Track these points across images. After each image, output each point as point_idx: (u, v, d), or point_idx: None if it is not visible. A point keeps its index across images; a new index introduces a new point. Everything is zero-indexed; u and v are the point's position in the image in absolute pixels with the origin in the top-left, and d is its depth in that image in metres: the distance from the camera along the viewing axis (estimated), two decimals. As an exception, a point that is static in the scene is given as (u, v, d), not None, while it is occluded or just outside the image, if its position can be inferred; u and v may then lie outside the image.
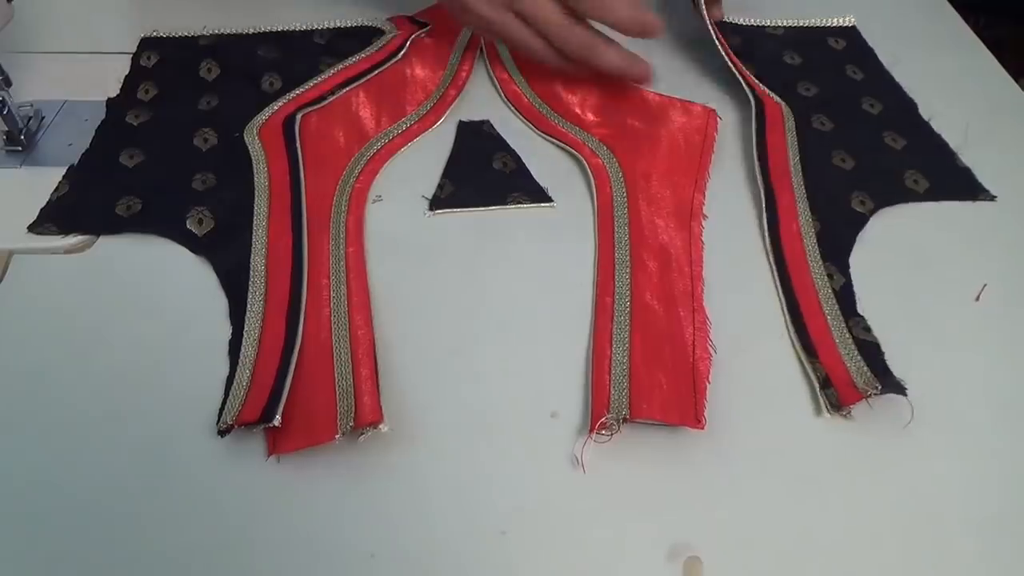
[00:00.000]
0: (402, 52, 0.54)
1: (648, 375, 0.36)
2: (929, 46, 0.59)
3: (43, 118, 0.50)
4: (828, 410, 0.36)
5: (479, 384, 0.37)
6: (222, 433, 0.34)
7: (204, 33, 0.56)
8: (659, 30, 0.47)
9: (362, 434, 0.34)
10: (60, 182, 0.45)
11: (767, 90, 0.51)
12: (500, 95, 0.53)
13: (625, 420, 0.34)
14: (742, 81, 0.51)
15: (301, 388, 0.35)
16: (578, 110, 0.51)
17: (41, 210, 0.43)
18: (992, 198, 0.46)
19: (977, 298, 0.41)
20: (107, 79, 0.52)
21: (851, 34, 0.59)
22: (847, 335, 0.38)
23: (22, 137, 0.47)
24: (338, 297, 0.40)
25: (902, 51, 0.57)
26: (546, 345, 0.39)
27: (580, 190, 0.47)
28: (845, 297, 0.40)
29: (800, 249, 0.42)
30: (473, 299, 0.41)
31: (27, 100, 0.50)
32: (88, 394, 0.36)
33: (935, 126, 0.51)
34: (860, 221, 0.45)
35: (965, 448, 0.35)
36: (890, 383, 0.36)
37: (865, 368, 0.37)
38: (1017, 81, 0.55)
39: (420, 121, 0.50)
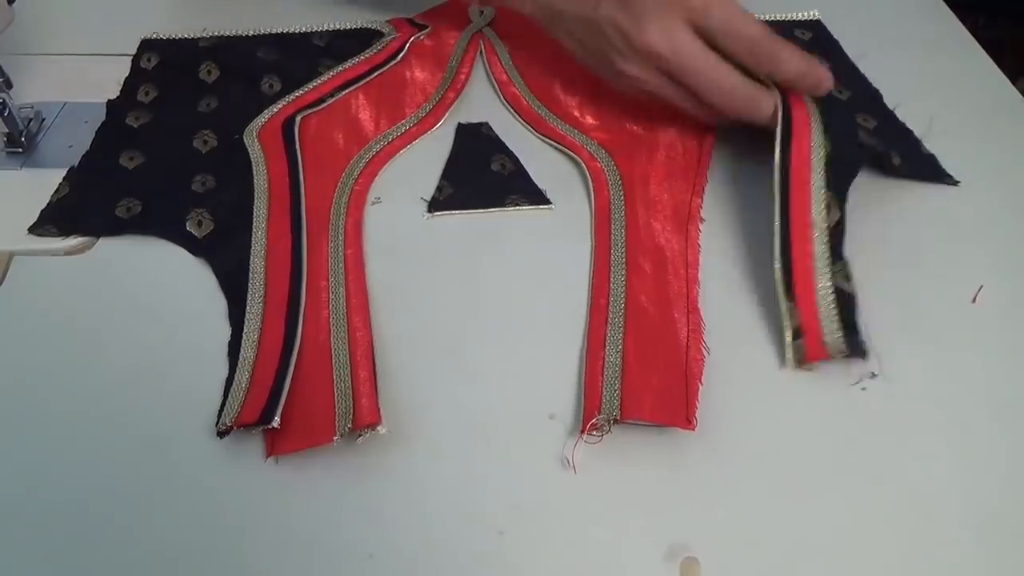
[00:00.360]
0: (401, 54, 0.55)
1: (640, 376, 0.37)
2: (928, 45, 0.59)
3: (43, 120, 0.50)
4: (792, 362, 0.36)
5: (477, 385, 0.37)
6: (221, 434, 0.34)
7: (204, 35, 0.56)
8: (830, 82, 0.44)
9: (360, 435, 0.34)
10: (60, 184, 0.45)
11: None
12: (499, 97, 0.53)
13: (616, 421, 0.35)
14: None
15: (300, 390, 0.36)
16: (576, 113, 0.51)
17: (41, 212, 0.43)
18: (955, 183, 0.47)
19: (973, 300, 0.41)
20: (107, 81, 0.52)
21: (816, 27, 0.59)
22: (828, 283, 0.38)
23: (22, 139, 0.48)
24: (337, 299, 0.40)
25: (894, 49, 0.58)
26: (544, 346, 0.39)
27: (578, 192, 0.47)
28: (836, 236, 0.40)
29: (806, 174, 0.41)
30: (471, 300, 0.41)
31: (28, 102, 0.50)
32: (87, 395, 0.36)
33: (899, 115, 0.51)
34: (865, 155, 0.44)
35: (961, 448, 0.36)
36: (856, 346, 0.36)
37: (836, 328, 0.37)
38: (1015, 82, 0.55)
39: (419, 123, 0.50)
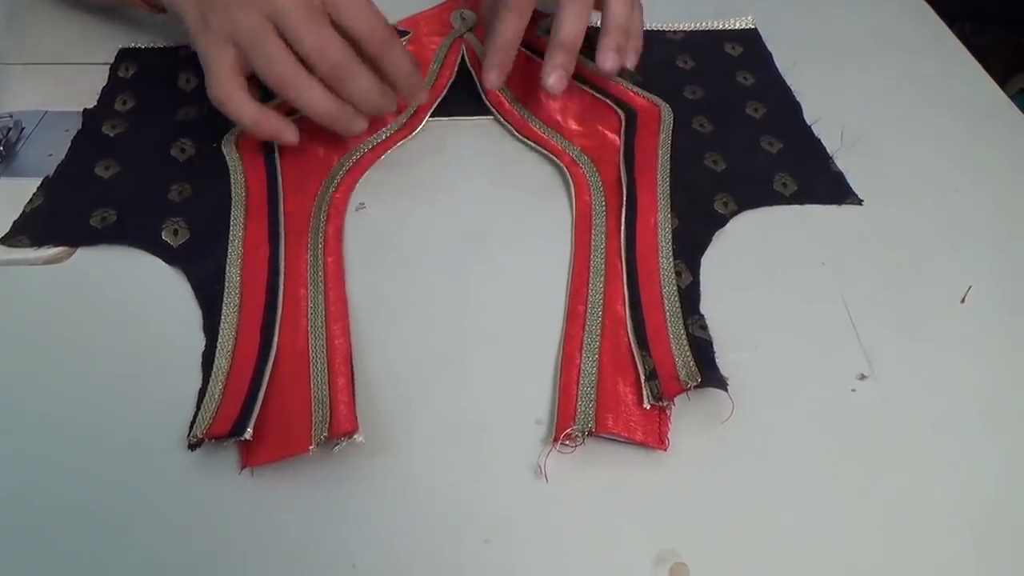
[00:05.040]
0: (383, 61, 0.54)
1: (615, 388, 0.36)
2: (916, 51, 0.59)
3: (23, 129, 0.49)
4: (649, 400, 0.35)
5: (463, 390, 0.37)
6: (192, 447, 0.33)
7: (183, 44, 0.56)
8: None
9: (336, 444, 0.33)
10: (34, 194, 0.44)
11: (646, 94, 0.52)
12: (483, 99, 0.52)
13: (590, 433, 0.34)
14: (603, 98, 0.52)
15: (276, 399, 0.35)
16: (559, 118, 0.51)
17: (14, 222, 0.43)
18: (859, 202, 0.46)
19: (963, 300, 0.41)
20: (88, 90, 0.52)
21: (749, 38, 0.59)
22: (682, 331, 0.38)
23: (1, 148, 0.47)
24: (316, 307, 0.39)
25: (882, 55, 0.58)
26: (529, 351, 0.38)
27: (560, 197, 0.46)
28: (689, 295, 0.40)
29: (653, 244, 0.42)
30: (456, 305, 0.40)
31: (7, 111, 0.50)
32: (59, 407, 0.36)
33: (816, 130, 0.51)
34: (719, 222, 0.44)
35: (952, 448, 0.35)
36: (712, 377, 0.35)
37: (691, 362, 0.36)
38: (1003, 86, 0.55)
39: (401, 128, 0.50)
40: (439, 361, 0.38)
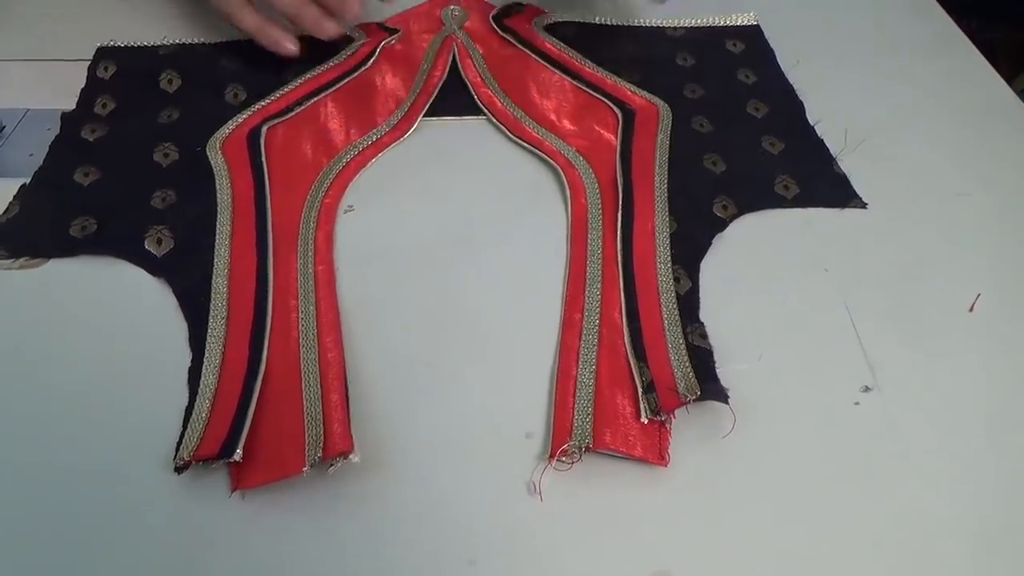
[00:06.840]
0: (372, 60, 0.53)
1: (612, 401, 0.35)
2: (923, 48, 0.58)
3: (3, 127, 0.48)
4: (646, 414, 0.34)
5: (452, 403, 0.36)
6: (179, 470, 0.32)
7: (164, 43, 0.54)
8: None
9: (331, 465, 0.32)
10: (10, 203, 0.43)
11: (644, 94, 0.51)
12: (474, 99, 0.51)
13: (587, 449, 0.33)
14: (600, 97, 0.51)
15: (268, 417, 0.34)
16: (553, 117, 0.50)
17: (-11, 232, 0.41)
18: (863, 206, 0.45)
19: (971, 308, 0.40)
20: (71, 87, 0.50)
21: (751, 35, 0.58)
22: (681, 341, 0.37)
23: (-19, 147, 0.46)
24: (307, 318, 0.38)
25: (889, 52, 0.57)
26: (521, 363, 0.37)
27: (555, 199, 0.45)
28: (688, 302, 0.39)
29: (650, 249, 0.41)
30: (448, 313, 0.39)
31: (-13, 109, 0.48)
32: (36, 427, 0.34)
33: (819, 130, 0.50)
34: (719, 226, 0.43)
35: (958, 461, 0.34)
36: (712, 389, 0.34)
37: (690, 373, 0.35)
38: (1009, 84, 0.54)
39: (391, 131, 0.48)
40: (428, 371, 0.37)
